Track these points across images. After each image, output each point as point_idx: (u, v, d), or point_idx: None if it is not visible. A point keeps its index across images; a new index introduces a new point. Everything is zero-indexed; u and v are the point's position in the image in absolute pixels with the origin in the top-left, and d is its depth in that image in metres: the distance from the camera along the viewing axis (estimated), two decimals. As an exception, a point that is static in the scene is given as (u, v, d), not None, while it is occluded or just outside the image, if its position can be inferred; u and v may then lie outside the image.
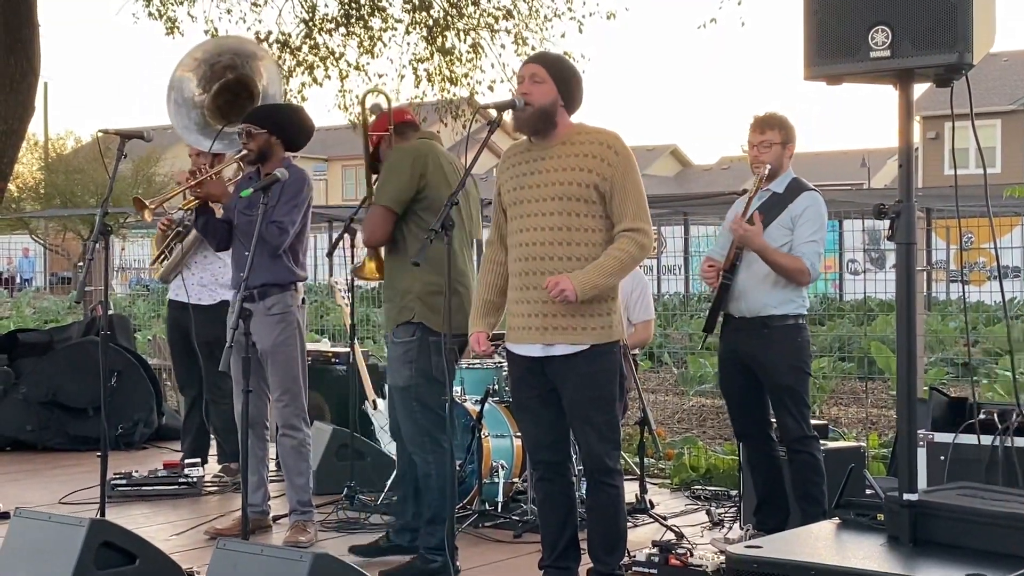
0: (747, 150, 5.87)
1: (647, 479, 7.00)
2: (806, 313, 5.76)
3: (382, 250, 5.60)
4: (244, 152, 6.09)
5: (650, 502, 6.78)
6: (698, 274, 6.26)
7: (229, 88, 6.77)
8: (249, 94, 6.78)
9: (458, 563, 5.24)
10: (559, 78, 4.75)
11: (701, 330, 6.19)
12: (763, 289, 5.66)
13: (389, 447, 6.91)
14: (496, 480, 6.61)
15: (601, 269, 4.65)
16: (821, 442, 5.88)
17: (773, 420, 5.86)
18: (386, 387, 6.17)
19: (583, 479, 6.16)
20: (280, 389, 6.18)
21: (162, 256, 7.62)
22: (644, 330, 7.18)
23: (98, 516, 5.46)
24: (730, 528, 6.44)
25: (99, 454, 5.70)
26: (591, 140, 4.73)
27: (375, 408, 7.44)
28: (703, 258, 6.04)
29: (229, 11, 12.88)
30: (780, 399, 5.68)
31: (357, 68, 12.96)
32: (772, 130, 5.77)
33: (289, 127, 6.14)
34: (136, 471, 7.57)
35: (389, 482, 6.65)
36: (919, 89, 4.18)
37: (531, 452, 5.05)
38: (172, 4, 12.71)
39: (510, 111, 4.77)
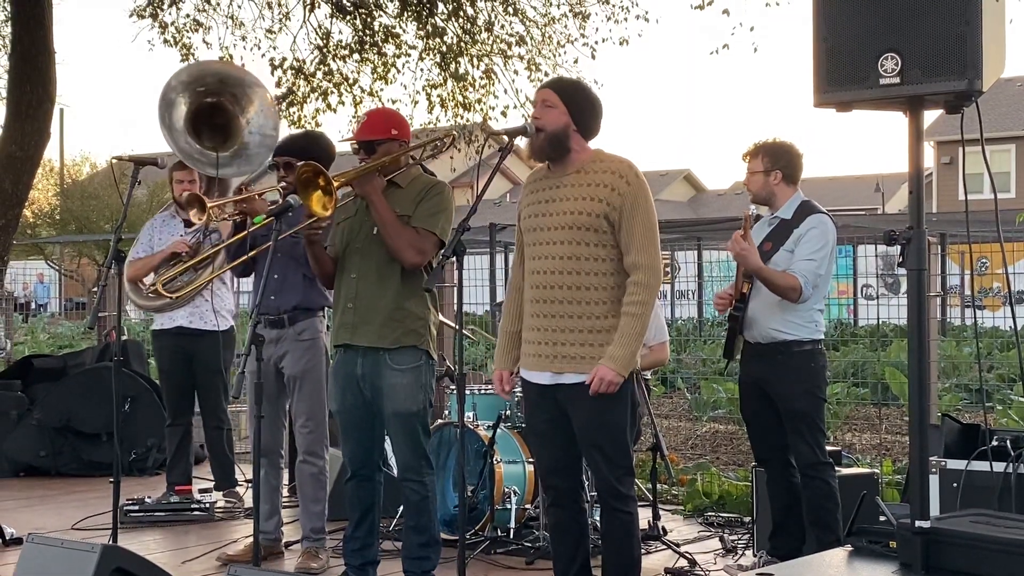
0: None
1: (660, 505, 6.98)
2: (822, 338, 5.75)
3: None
4: (284, 185, 6.06)
5: (663, 528, 6.76)
6: (712, 302, 6.25)
7: (203, 113, 6.74)
8: (222, 123, 6.74)
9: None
10: (571, 103, 4.76)
11: (722, 356, 6.20)
12: (773, 316, 5.67)
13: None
14: (508, 506, 6.60)
15: (627, 336, 4.66)
16: (835, 469, 5.85)
17: None
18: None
19: (596, 505, 6.16)
20: (306, 415, 6.19)
21: (172, 281, 7.45)
22: (660, 351, 7.18)
23: (110, 542, 5.47)
24: (743, 555, 6.42)
25: (112, 480, 5.70)
26: (605, 169, 4.73)
27: (388, 433, 7.43)
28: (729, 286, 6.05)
29: (244, 38, 13.00)
30: (794, 425, 5.67)
31: (371, 94, 13.02)
32: (755, 159, 5.83)
33: (324, 158, 6.10)
34: (148, 497, 7.57)
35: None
36: (933, 114, 4.18)
37: (543, 478, 5.05)
38: (187, 31, 12.81)
39: (523, 137, 4.79)
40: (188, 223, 7.50)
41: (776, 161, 5.78)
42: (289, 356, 6.15)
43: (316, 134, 6.40)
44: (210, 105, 6.71)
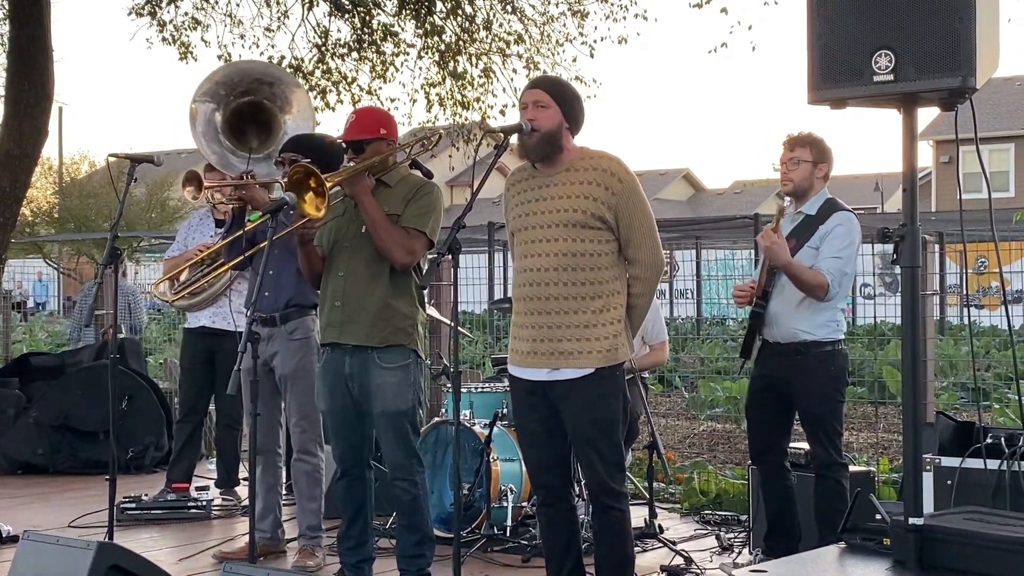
0: (779, 168, 5.87)
1: (657, 504, 6.98)
2: (843, 337, 5.69)
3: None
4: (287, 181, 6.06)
5: (659, 527, 6.76)
6: (731, 296, 6.20)
7: (242, 112, 6.76)
8: (264, 120, 6.76)
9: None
10: (562, 101, 4.76)
11: (739, 355, 6.15)
12: (796, 315, 5.62)
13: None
14: (505, 504, 6.60)
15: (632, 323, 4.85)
16: (848, 469, 5.80)
17: (791, 448, 5.89)
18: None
19: (589, 503, 6.17)
20: (299, 414, 6.19)
21: (192, 284, 7.39)
22: (659, 351, 7.19)
23: (106, 539, 5.47)
24: (739, 552, 6.42)
25: (109, 477, 5.71)
26: (594, 166, 4.73)
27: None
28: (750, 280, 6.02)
29: (242, 36, 13.00)
30: (811, 427, 5.67)
31: (369, 93, 13.02)
32: (802, 148, 5.73)
33: (329, 157, 6.10)
34: (145, 495, 7.58)
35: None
36: (932, 113, 4.19)
37: (533, 476, 5.04)
38: (186, 30, 12.81)
39: (517, 136, 4.79)
40: (220, 223, 7.52)
41: (823, 155, 5.73)
42: (280, 355, 6.15)
43: (324, 135, 6.39)
44: (249, 104, 6.72)
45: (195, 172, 6.07)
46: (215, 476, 8.13)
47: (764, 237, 5.59)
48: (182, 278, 7.39)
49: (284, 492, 6.86)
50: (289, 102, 6.76)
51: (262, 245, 5.85)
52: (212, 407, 8.39)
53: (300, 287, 6.12)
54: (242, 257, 6.14)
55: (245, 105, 6.73)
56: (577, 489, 5.78)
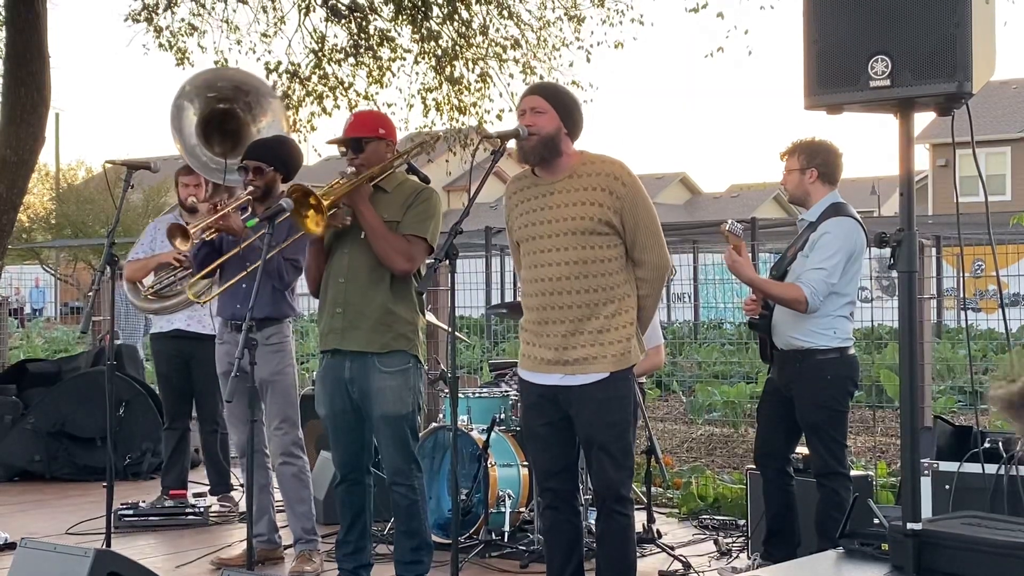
0: None
1: (655, 508, 6.98)
2: (846, 345, 5.62)
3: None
4: (252, 189, 6.06)
5: (657, 532, 6.76)
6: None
7: (214, 119, 6.73)
8: (232, 129, 6.73)
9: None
10: (560, 106, 4.76)
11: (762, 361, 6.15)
12: (791, 323, 5.61)
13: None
14: (503, 509, 6.59)
15: (641, 323, 4.86)
16: (850, 479, 5.71)
17: (795, 454, 5.89)
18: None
19: (591, 508, 6.16)
20: (279, 418, 6.20)
21: (164, 288, 7.36)
22: (656, 356, 7.17)
23: (104, 547, 5.46)
24: (737, 557, 6.41)
25: (106, 484, 5.69)
26: (597, 171, 4.73)
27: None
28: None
29: (239, 42, 13.00)
30: (808, 434, 5.68)
31: (366, 98, 13.02)
32: (791, 156, 5.75)
33: (291, 162, 6.14)
34: (143, 501, 7.56)
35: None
36: (928, 117, 4.20)
37: (539, 480, 5.03)
38: (182, 35, 12.81)
39: (514, 141, 4.78)
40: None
41: (812, 159, 5.70)
42: (258, 361, 6.12)
43: (285, 139, 6.38)
44: (222, 111, 6.70)
45: (177, 224, 6.04)
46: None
47: (726, 258, 5.62)
48: (148, 281, 7.35)
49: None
50: (264, 112, 6.75)
51: (267, 249, 5.86)
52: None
53: (276, 303, 6.14)
54: (216, 264, 6.16)
55: (218, 112, 6.72)
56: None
